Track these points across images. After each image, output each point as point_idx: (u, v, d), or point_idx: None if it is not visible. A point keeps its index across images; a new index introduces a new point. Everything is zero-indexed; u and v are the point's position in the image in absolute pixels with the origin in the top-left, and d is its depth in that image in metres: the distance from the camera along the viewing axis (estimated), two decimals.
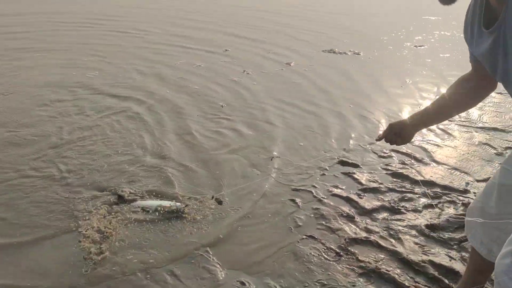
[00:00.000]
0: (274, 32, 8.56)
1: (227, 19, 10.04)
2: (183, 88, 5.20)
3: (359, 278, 2.27)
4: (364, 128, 4.26)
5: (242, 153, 3.63)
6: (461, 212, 2.84)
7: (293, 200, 2.97)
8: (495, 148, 3.85)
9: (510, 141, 4.01)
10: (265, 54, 6.91)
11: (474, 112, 4.76)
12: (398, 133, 1.81)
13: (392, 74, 6.19)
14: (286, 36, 8.25)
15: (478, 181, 3.28)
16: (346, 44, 7.77)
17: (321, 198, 3.01)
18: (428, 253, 2.45)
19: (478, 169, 3.47)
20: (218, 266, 2.31)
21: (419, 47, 7.88)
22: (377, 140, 1.95)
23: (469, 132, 4.25)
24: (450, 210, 2.88)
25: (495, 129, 4.31)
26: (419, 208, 2.91)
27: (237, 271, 2.28)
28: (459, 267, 2.33)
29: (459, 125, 4.41)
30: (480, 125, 4.42)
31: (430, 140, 4.02)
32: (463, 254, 2.45)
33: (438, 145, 3.92)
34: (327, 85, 5.54)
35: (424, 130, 4.24)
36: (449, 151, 3.81)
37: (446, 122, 4.47)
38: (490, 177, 3.25)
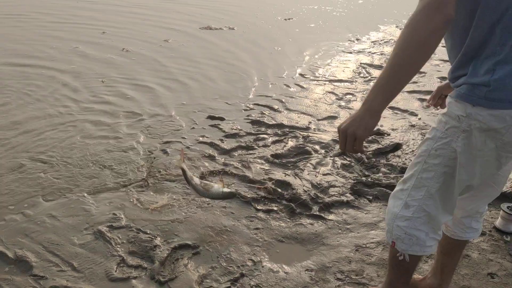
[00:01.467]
0: (151, 14, 8.78)
1: (104, 2, 9.98)
2: (63, 68, 5.31)
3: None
4: (235, 88, 4.81)
5: (127, 116, 3.97)
6: (301, 142, 3.51)
7: (163, 150, 3.40)
8: (337, 95, 4.63)
9: (350, 88, 4.84)
10: (143, 34, 7.17)
11: (327, 68, 5.56)
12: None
13: (263, 43, 6.83)
14: (162, 18, 8.52)
15: (318, 120, 4.00)
16: (222, 21, 8.27)
17: (189, 146, 3.48)
18: (269, 173, 3.06)
19: (321, 112, 4.19)
20: (93, 204, 2.68)
21: (288, 20, 8.67)
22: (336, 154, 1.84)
23: (319, 85, 5.01)
24: (292, 143, 3.53)
25: (340, 80, 5.12)
26: (268, 144, 3.51)
27: (108, 206, 2.66)
28: (291, 179, 2.97)
29: (312, 80, 5.15)
30: (330, 78, 5.20)
31: (286, 93, 4.68)
32: (296, 171, 3.09)
33: (292, 97, 4.60)
34: (204, 56, 6.01)
35: (282, 86, 4.91)
36: (300, 100, 4.51)
37: (300, 78, 5.20)
38: (329, 116, 3.97)
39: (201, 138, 3.62)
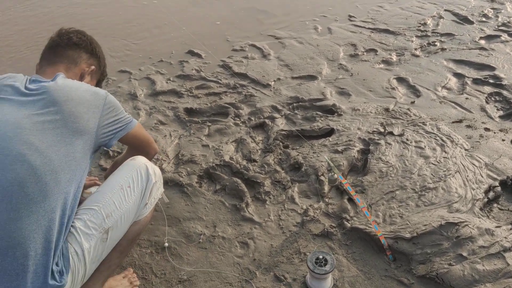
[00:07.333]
0: None
1: None
2: None
3: None
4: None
5: None
6: (238, 99, 2.98)
7: None
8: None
9: None
10: None
11: None
12: None
13: None
14: None
15: (293, 77, 3.28)
16: None
17: None
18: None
19: (305, 68, 3.42)
20: None
21: None
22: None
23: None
24: (227, 98, 3.02)
25: None
26: (199, 95, 3.08)
27: None
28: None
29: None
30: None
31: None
32: (183, 132, 2.67)
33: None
34: None
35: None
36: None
37: None
38: (308, 75, 3.22)
39: None
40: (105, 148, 1.64)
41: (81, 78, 1.67)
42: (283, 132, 2.61)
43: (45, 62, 1.64)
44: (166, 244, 1.92)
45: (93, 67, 1.71)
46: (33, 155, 1.30)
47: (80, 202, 1.49)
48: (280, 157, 2.43)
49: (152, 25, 4.40)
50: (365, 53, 3.61)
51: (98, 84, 1.81)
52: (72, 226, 1.38)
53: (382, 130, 2.55)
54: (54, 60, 1.63)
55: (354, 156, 2.36)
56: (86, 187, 2.03)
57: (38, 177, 1.28)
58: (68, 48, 1.65)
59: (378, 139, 2.46)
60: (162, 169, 2.34)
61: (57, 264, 1.30)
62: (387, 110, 2.78)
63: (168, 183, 2.26)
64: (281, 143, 2.53)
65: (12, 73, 1.54)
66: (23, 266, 1.23)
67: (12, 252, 1.22)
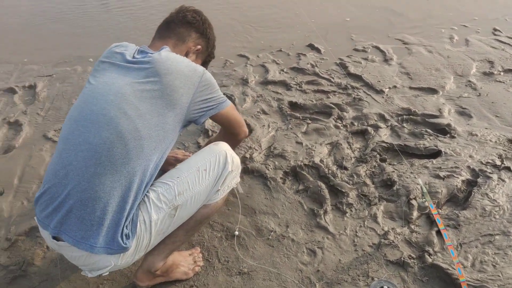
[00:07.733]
0: None
1: None
2: None
3: None
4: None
5: None
6: (344, 101, 2.89)
7: None
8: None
9: None
10: None
11: None
12: None
13: None
14: None
15: (411, 88, 3.06)
16: None
17: None
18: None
19: (425, 79, 3.16)
20: None
21: None
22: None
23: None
24: (334, 98, 2.94)
25: None
26: (306, 90, 3.04)
27: None
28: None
29: None
30: None
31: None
32: (286, 131, 2.67)
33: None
34: None
35: None
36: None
37: None
38: (427, 87, 3.00)
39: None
40: (195, 124, 1.69)
41: (186, 55, 1.74)
42: (384, 144, 2.44)
43: (157, 35, 1.75)
44: (236, 233, 1.94)
45: (199, 46, 1.77)
46: (125, 121, 1.40)
47: (164, 172, 1.58)
48: (373, 170, 2.28)
49: (282, 14, 4.45)
50: (502, 73, 3.19)
51: (204, 65, 1.86)
52: (146, 195, 1.47)
53: (498, 163, 2.24)
54: (165, 34, 1.73)
55: (456, 185, 2.12)
56: (180, 161, 2.13)
57: (125, 142, 1.39)
58: (181, 25, 1.74)
59: (490, 172, 2.17)
60: (251, 158, 2.37)
61: (126, 227, 1.40)
62: (511, 141, 2.43)
63: (254, 173, 2.28)
64: (378, 155, 2.37)
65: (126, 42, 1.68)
66: (99, 219, 1.34)
67: (92, 204, 1.34)
